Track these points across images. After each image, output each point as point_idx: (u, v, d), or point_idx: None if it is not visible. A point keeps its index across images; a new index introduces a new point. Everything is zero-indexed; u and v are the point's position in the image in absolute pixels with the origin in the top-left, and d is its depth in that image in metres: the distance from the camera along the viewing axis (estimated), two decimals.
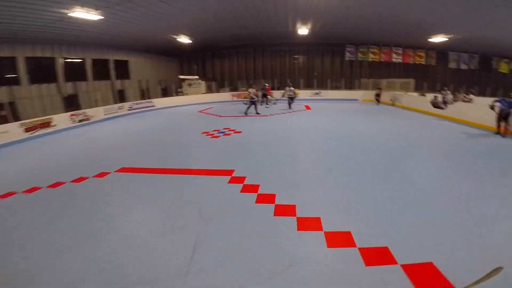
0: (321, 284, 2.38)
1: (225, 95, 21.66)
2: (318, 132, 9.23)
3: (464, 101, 12.17)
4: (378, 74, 20.58)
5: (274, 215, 3.61)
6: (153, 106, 17.97)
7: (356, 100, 20.05)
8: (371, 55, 19.95)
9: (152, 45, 17.46)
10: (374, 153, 6.54)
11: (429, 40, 15.46)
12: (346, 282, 2.38)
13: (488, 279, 1.98)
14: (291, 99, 14.86)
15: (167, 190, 4.70)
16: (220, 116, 13.59)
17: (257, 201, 4.04)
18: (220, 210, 3.82)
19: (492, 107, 8.90)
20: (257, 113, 13.18)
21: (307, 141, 8.08)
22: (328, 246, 2.88)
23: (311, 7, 11.10)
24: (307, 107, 15.74)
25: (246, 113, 13.16)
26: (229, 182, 4.88)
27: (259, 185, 4.62)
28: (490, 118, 9.04)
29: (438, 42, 16.11)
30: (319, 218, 3.49)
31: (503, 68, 19.91)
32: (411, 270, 2.43)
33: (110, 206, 4.23)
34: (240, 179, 4.96)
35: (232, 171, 5.43)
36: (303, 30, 15.14)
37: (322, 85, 21.27)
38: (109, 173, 5.76)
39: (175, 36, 15.40)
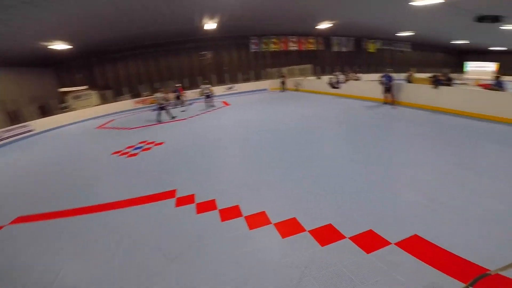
0: (345, 283, 2.24)
1: (127, 104, 19.17)
2: (247, 127, 9.14)
3: (354, 79, 14.39)
4: (280, 63, 22.17)
5: (250, 229, 3.24)
6: (32, 130, 14.20)
7: (265, 89, 21.15)
8: (272, 45, 21.24)
9: (15, 57, 13.63)
10: (306, 140, 6.90)
11: (317, 27, 17.53)
12: (363, 275, 2.31)
13: None
14: (208, 97, 14.35)
15: (102, 232, 3.62)
16: (128, 128, 11.80)
17: (223, 219, 3.56)
18: (185, 243, 3.15)
19: (380, 82, 10.79)
20: (173, 118, 12.13)
21: (236, 139, 7.85)
22: (322, 245, 2.75)
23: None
24: (225, 103, 15.56)
25: (159, 121, 11.90)
26: (177, 205, 4.18)
27: (215, 200, 4.12)
28: (377, 91, 10.97)
29: (324, 29, 18.44)
30: (294, 218, 3.34)
31: (371, 48, 24.68)
32: (405, 246, 2.55)
33: (33, 269, 2.97)
34: (189, 199, 4.31)
35: (174, 191, 4.68)
36: (210, 25, 14.74)
37: (233, 79, 21.42)
38: (2, 227, 4.14)
39: (47, 43, 12.41)
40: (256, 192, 4.23)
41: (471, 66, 27.80)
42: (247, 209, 3.69)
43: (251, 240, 3.05)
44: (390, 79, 10.53)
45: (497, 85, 9.79)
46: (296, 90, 18.94)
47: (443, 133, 6.27)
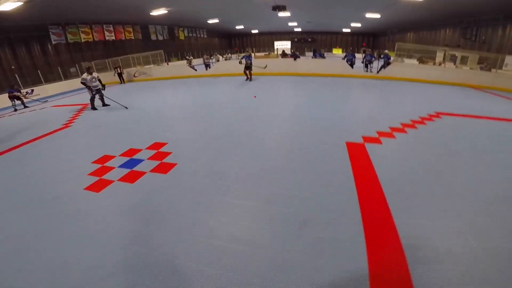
0: None
1: None
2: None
3: (226, 59, 16.54)
4: (90, 55, 19.17)
5: None
6: None
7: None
8: (83, 36, 17.72)
9: None
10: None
11: (151, 14, 17.06)
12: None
13: None
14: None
15: None
16: None
17: None
18: None
19: (240, 62, 13.66)
20: None
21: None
22: None
23: None
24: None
25: None
26: None
27: None
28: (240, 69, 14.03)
29: (145, 17, 18.12)
30: None
31: (181, 35, 26.83)
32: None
33: None
34: None
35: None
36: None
37: (36, 81, 15.87)
38: None
39: None
40: None
41: (277, 45, 40.87)
42: None
43: None
44: (249, 58, 13.66)
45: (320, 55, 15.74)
46: (131, 80, 17.79)
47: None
